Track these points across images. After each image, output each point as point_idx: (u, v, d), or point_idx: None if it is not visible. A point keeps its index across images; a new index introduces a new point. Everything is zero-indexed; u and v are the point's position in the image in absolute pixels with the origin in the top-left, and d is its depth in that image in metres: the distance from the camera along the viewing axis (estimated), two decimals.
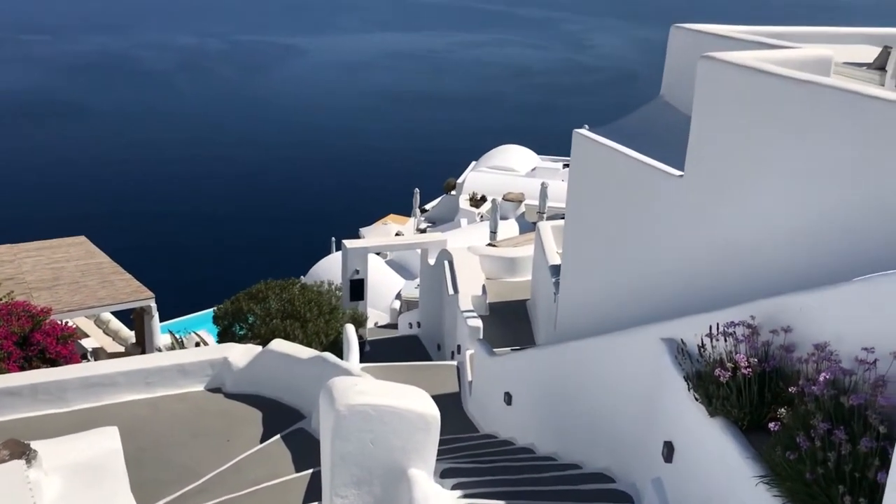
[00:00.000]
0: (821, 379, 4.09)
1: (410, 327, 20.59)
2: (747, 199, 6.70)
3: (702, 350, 5.23)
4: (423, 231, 35.74)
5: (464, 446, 9.59)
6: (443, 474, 7.59)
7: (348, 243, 17.79)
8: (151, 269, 28.96)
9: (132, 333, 22.70)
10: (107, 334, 23.66)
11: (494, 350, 11.86)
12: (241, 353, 10.91)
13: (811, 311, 4.68)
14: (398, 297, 25.20)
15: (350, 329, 12.30)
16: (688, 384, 5.16)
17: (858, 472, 3.54)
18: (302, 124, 73.07)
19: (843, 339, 4.27)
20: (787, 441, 4.03)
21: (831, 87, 5.85)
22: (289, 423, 9.99)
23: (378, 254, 34.80)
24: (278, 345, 10.62)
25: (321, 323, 13.67)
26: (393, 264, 30.58)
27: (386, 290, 27.23)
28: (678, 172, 7.71)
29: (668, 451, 5.68)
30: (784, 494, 3.98)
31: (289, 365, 10.33)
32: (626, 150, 8.76)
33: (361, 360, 16.93)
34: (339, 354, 12.44)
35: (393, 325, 22.98)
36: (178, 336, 18.14)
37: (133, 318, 22.04)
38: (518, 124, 65.39)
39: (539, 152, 42.06)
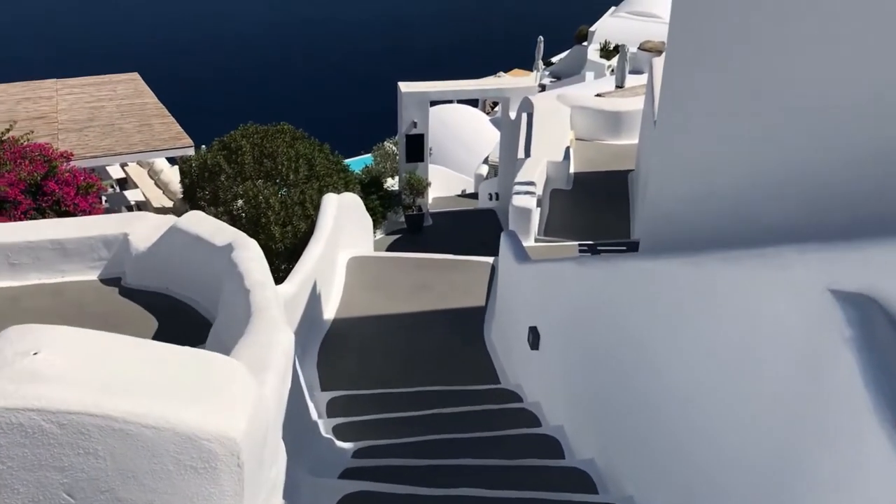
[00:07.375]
0: None
1: (490, 199, 16.30)
2: None
3: None
4: (543, 88, 30.36)
5: (449, 416, 5.54)
6: None
7: (403, 86, 13.38)
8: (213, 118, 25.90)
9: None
10: (158, 186, 20.89)
11: (551, 241, 7.52)
12: (148, 230, 7.15)
13: None
14: (486, 161, 20.77)
15: (330, 200, 8.01)
16: None
17: None
18: None
19: None
20: None
21: None
22: (194, 340, 6.25)
23: (491, 110, 30.13)
24: (190, 221, 6.75)
25: (311, 189, 9.46)
26: (498, 123, 25.97)
27: (483, 151, 22.90)
28: None
29: None
30: None
31: (200, 251, 6.50)
32: None
33: (410, 235, 12.98)
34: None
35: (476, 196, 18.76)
36: None
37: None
38: None
39: None
